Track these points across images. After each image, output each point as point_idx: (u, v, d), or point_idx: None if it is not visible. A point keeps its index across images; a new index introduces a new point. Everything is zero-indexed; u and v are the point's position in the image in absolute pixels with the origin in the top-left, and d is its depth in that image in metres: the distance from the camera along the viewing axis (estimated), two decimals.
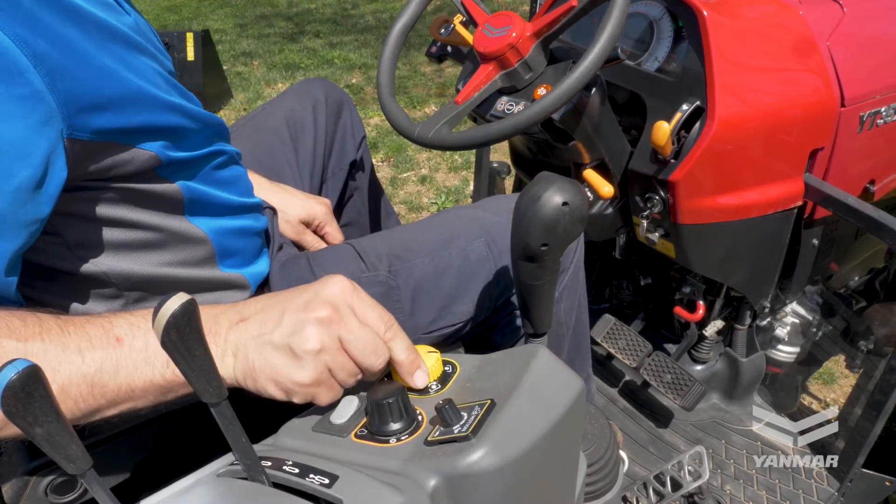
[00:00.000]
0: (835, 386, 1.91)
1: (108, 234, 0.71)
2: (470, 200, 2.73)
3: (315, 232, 1.15)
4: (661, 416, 1.49)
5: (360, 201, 1.39)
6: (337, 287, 0.59)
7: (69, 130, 0.60)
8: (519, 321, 1.03)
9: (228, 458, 0.54)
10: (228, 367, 0.58)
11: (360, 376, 0.59)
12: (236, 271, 0.87)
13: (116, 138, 0.65)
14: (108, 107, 0.63)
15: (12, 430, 0.56)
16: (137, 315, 0.61)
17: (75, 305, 0.73)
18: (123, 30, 0.66)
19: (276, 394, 0.58)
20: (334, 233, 1.16)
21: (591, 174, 1.17)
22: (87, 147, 0.63)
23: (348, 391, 0.61)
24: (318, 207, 1.13)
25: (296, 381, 0.57)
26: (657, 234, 1.18)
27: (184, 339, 0.45)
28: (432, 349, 0.63)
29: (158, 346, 0.57)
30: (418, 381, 0.60)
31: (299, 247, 1.12)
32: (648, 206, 1.15)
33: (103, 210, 0.69)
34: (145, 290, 0.76)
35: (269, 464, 0.52)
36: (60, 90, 0.58)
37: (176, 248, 0.78)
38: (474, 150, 2.13)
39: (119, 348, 0.58)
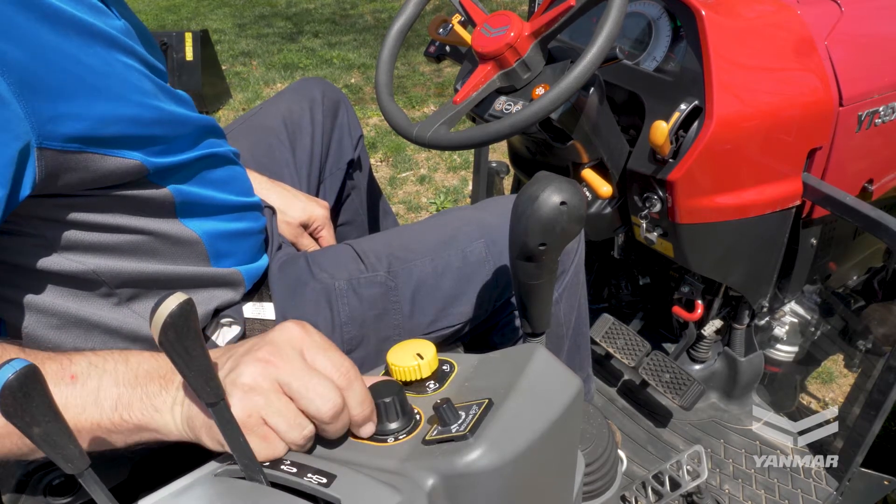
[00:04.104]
0: (833, 385, 1.92)
1: (97, 237, 0.70)
2: (468, 200, 2.73)
3: (311, 234, 1.15)
4: (659, 416, 1.49)
5: (358, 201, 1.39)
6: (286, 333, 0.55)
7: (39, 140, 0.59)
8: (518, 322, 1.03)
9: (226, 457, 0.54)
10: (176, 415, 0.55)
11: (307, 429, 0.53)
12: (231, 267, 0.86)
13: (93, 147, 0.64)
14: (80, 114, 0.61)
15: (11, 444, 0.56)
16: (100, 354, 0.59)
17: (65, 305, 0.71)
18: (109, 32, 0.65)
19: (208, 442, 0.54)
20: (328, 237, 1.17)
21: (589, 174, 1.17)
22: (60, 157, 0.61)
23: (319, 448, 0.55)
24: (319, 210, 1.13)
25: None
26: (656, 233, 1.18)
27: (181, 339, 0.45)
28: (429, 343, 0.62)
29: (110, 389, 0.56)
30: (364, 432, 0.55)
31: (295, 247, 1.12)
32: (647, 205, 1.15)
33: (91, 216, 0.69)
34: (137, 286, 0.76)
35: (267, 463, 0.52)
36: (29, 98, 0.57)
37: (167, 250, 0.77)
38: (473, 150, 2.13)
39: (72, 386, 0.56)
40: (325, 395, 0.52)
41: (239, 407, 0.51)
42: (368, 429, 0.55)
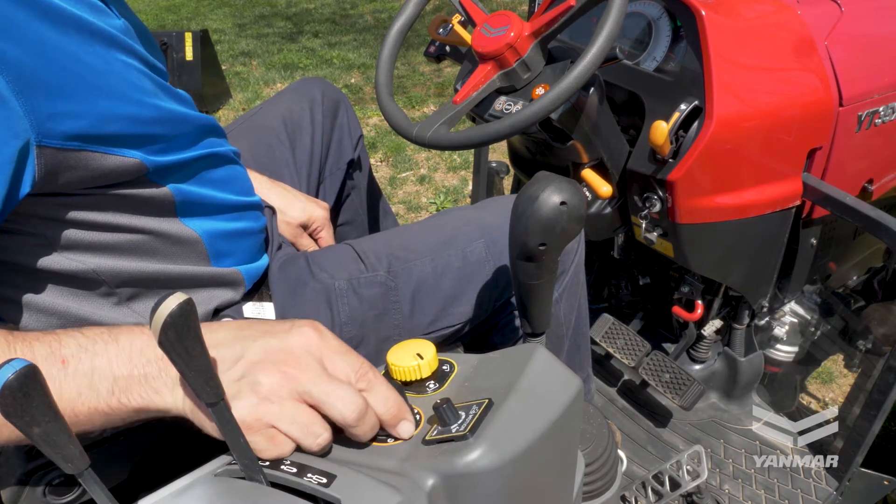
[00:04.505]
0: (833, 385, 1.92)
1: (97, 236, 0.70)
2: (468, 200, 2.72)
3: (310, 234, 1.15)
4: (659, 416, 1.49)
5: (358, 201, 1.39)
6: (303, 339, 0.55)
7: (38, 138, 0.59)
8: (518, 322, 1.03)
9: (226, 457, 0.54)
10: (177, 398, 0.55)
11: (321, 437, 0.53)
12: (231, 267, 0.86)
13: (92, 145, 0.63)
14: (80, 112, 0.61)
15: (10, 431, 0.56)
16: (89, 335, 0.58)
17: (65, 305, 0.71)
18: (108, 31, 0.65)
19: (209, 428, 0.54)
20: (328, 238, 1.17)
21: (589, 174, 1.17)
22: (60, 155, 0.61)
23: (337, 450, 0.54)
24: (318, 211, 1.13)
25: None
26: (656, 233, 1.18)
27: (181, 338, 0.45)
28: (429, 343, 0.62)
29: (105, 371, 0.55)
30: (402, 432, 0.54)
31: (294, 247, 1.12)
32: (647, 205, 1.15)
33: (92, 215, 0.68)
34: (138, 286, 0.76)
35: (267, 463, 0.52)
36: (28, 96, 0.57)
37: (167, 249, 0.77)
38: (473, 150, 2.13)
39: (63, 371, 0.55)
40: (346, 399, 0.52)
41: (250, 412, 0.51)
42: (406, 428, 0.54)
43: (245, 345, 0.55)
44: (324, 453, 0.54)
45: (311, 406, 0.53)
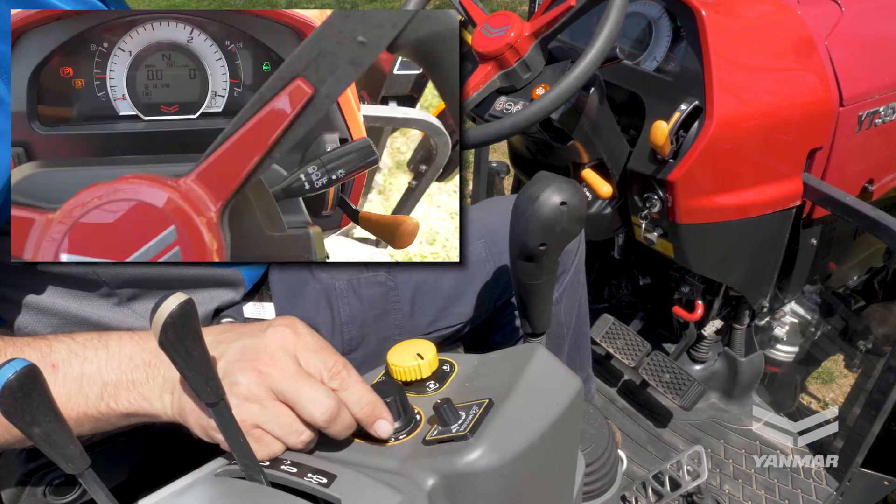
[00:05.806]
0: (833, 385, 1.92)
1: None
2: (469, 200, 2.72)
3: None
4: (659, 416, 1.49)
5: None
6: (277, 336, 0.55)
7: None
8: (518, 322, 1.03)
9: (227, 457, 0.54)
10: (166, 403, 0.56)
11: (304, 434, 0.53)
12: (231, 267, 0.86)
13: None
14: None
15: (10, 435, 0.56)
16: (79, 341, 0.58)
17: (65, 305, 0.71)
18: None
19: (198, 430, 0.54)
20: None
21: (589, 174, 1.17)
22: None
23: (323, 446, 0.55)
24: None
25: (214, 427, 0.52)
26: (656, 233, 1.18)
27: (182, 339, 0.45)
28: (429, 343, 0.62)
29: (94, 377, 0.56)
30: (380, 431, 0.54)
31: None
32: (647, 205, 1.15)
33: None
34: (138, 287, 0.76)
35: (267, 463, 0.52)
36: None
37: None
38: (473, 150, 2.13)
39: (53, 375, 0.56)
40: (317, 400, 0.52)
41: (234, 413, 0.51)
42: (383, 427, 0.54)
43: (224, 347, 0.56)
44: (312, 450, 0.54)
45: (287, 405, 0.53)
